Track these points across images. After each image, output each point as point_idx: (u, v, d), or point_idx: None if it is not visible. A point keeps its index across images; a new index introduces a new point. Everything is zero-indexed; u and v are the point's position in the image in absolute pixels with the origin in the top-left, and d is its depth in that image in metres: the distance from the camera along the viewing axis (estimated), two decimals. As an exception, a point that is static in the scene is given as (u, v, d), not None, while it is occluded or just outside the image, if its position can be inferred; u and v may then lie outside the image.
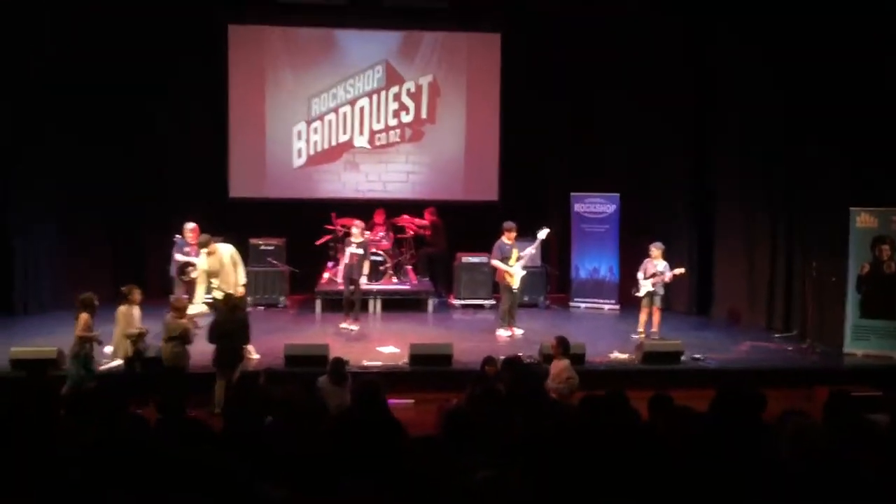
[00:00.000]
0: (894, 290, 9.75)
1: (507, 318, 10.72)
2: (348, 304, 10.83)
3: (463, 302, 12.66)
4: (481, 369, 7.60)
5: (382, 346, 9.93)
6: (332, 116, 13.61)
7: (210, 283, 9.41)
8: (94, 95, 11.88)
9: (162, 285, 11.50)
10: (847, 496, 3.53)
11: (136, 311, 8.60)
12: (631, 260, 11.62)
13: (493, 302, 12.06)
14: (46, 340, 9.43)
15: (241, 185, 13.41)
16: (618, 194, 12.66)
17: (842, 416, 4.40)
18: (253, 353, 9.09)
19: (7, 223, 11.46)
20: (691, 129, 12.35)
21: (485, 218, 12.33)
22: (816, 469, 3.57)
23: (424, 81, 13.67)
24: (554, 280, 13.51)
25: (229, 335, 8.17)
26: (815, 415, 4.54)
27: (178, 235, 10.68)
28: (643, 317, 10.50)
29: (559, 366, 7.73)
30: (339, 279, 11.29)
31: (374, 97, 13.63)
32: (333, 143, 13.66)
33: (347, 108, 13.61)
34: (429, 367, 9.04)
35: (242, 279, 9.54)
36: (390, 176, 13.79)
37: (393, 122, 13.70)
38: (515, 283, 10.61)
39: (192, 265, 10.34)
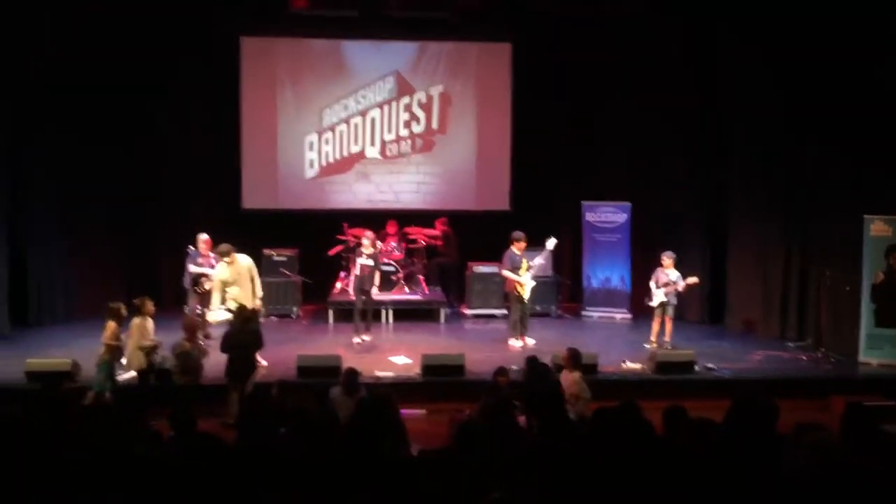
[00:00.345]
0: (909, 298, 9.68)
1: (519, 328, 10.71)
2: (360, 315, 10.82)
3: (475, 312, 12.65)
4: (493, 380, 7.60)
5: (394, 356, 9.93)
6: (343, 127, 13.65)
7: (226, 292, 9.44)
8: (100, 98, 11.87)
9: (175, 296, 11.56)
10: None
11: (150, 322, 8.66)
12: (643, 269, 11.59)
13: (505, 312, 12.04)
14: (61, 352, 9.49)
15: (253, 196, 13.47)
16: (629, 203, 12.63)
17: (858, 428, 4.36)
18: (261, 362, 9.11)
19: (18, 234, 11.45)
20: (704, 138, 12.29)
21: (496, 228, 12.31)
22: (833, 481, 3.54)
23: (435, 92, 13.70)
24: (566, 289, 13.48)
25: (242, 346, 8.20)
26: (830, 425, 4.51)
27: (190, 247, 10.73)
28: (656, 326, 10.47)
29: (570, 378, 7.70)
30: (351, 291, 11.29)
31: (385, 108, 13.67)
32: (345, 153, 13.71)
33: (359, 119, 13.66)
34: (441, 378, 9.03)
35: (259, 292, 9.71)
36: (402, 186, 13.82)
37: (404, 132, 13.74)
38: (526, 294, 10.61)
39: (206, 276, 10.39)
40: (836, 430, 4.46)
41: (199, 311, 10.55)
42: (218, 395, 8.05)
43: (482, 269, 12.57)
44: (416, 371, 9.24)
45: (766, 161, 11.39)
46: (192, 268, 10.56)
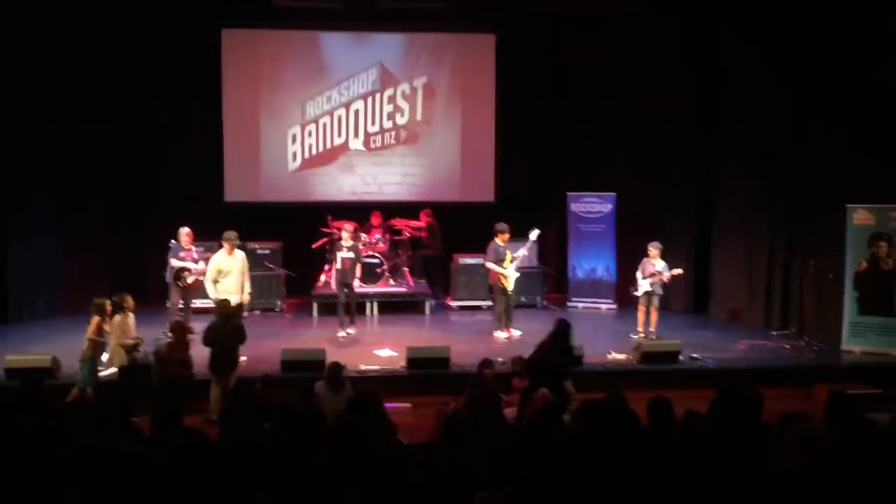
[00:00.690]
0: (892, 286, 9.74)
1: (504, 320, 10.69)
2: (344, 308, 10.76)
3: (460, 304, 12.63)
4: (479, 372, 7.58)
5: (379, 349, 9.89)
6: (326, 119, 13.56)
7: (218, 281, 9.39)
8: (92, 97, 11.81)
9: (158, 290, 11.46)
10: (849, 497, 3.50)
11: (131, 318, 8.59)
12: (628, 259, 11.61)
13: (490, 303, 12.02)
14: (41, 349, 9.38)
15: (236, 189, 13.36)
16: (613, 194, 12.64)
17: (843, 417, 4.37)
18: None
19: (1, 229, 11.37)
20: (689, 128, 12.31)
21: (481, 219, 12.27)
22: (819, 471, 3.54)
23: (419, 83, 13.63)
24: (551, 280, 13.49)
25: (225, 341, 8.13)
26: (814, 414, 4.53)
27: (173, 241, 10.61)
28: (641, 316, 10.49)
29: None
30: (333, 285, 11.20)
31: (369, 99, 13.59)
32: (328, 146, 13.63)
33: (342, 111, 13.57)
34: (426, 371, 9.00)
35: (248, 287, 9.82)
36: (386, 178, 13.76)
37: (388, 124, 13.67)
38: (510, 286, 10.59)
39: (188, 270, 10.31)
40: (820, 418, 4.48)
41: (181, 306, 10.47)
42: (201, 391, 7.98)
43: (467, 260, 12.54)
44: (401, 364, 9.20)
45: (751, 153, 11.41)
46: (175, 262, 10.45)
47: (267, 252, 12.32)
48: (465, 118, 13.71)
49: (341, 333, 10.62)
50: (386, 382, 8.13)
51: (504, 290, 10.58)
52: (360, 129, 13.62)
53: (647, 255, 10.46)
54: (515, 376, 7.85)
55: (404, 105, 13.66)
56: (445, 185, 13.79)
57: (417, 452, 4.30)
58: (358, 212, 12.80)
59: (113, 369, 8.44)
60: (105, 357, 8.59)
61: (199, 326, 8.95)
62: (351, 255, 10.67)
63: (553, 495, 3.44)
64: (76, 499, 3.70)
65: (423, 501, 3.57)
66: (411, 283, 12.80)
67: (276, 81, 13.39)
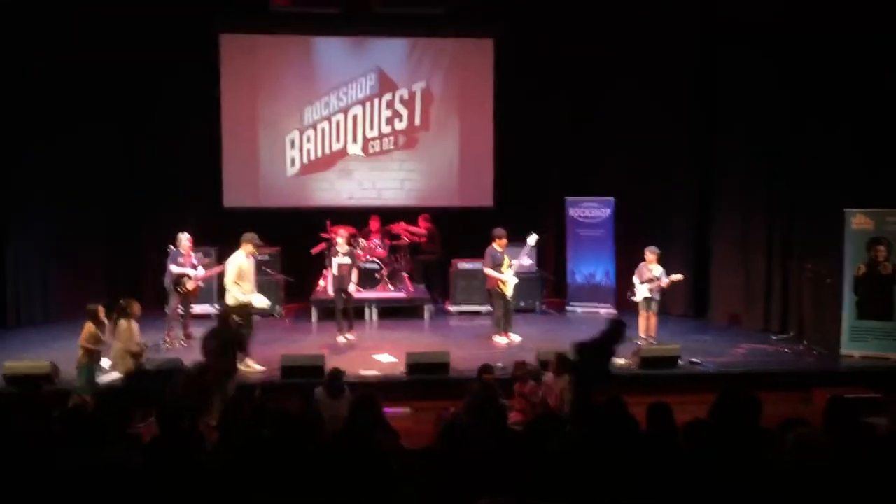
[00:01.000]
0: (891, 291, 9.74)
1: (503, 325, 10.69)
2: (342, 314, 10.74)
3: (459, 308, 12.62)
4: (479, 377, 7.58)
5: (379, 354, 9.88)
6: (325, 125, 13.57)
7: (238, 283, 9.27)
8: (90, 100, 11.80)
9: (157, 296, 11.45)
10: (848, 502, 3.51)
11: (135, 324, 8.57)
12: (627, 264, 11.60)
13: (489, 308, 12.01)
14: (39, 354, 9.36)
15: (235, 195, 13.36)
16: (612, 198, 12.64)
17: (842, 421, 4.37)
18: (258, 367, 9.10)
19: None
20: (688, 130, 12.31)
21: (480, 224, 12.27)
22: (818, 476, 3.54)
23: (417, 88, 13.65)
24: (550, 285, 13.48)
25: (226, 346, 8.11)
26: (813, 418, 4.53)
27: (171, 246, 10.61)
28: (642, 322, 10.41)
29: (558, 384, 7.62)
30: (330, 291, 11.17)
31: (367, 105, 13.60)
32: (327, 151, 13.63)
33: (340, 116, 13.58)
34: (426, 376, 8.98)
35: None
36: (385, 183, 13.76)
37: (386, 129, 13.67)
38: (509, 291, 10.59)
39: (187, 276, 10.31)
40: (819, 422, 4.48)
41: (181, 311, 10.47)
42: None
43: (466, 265, 12.54)
44: (400, 369, 9.19)
45: (749, 156, 11.42)
46: (174, 268, 10.45)
47: (266, 257, 12.27)
48: (464, 123, 13.72)
49: (340, 339, 10.61)
50: (385, 388, 8.13)
51: (502, 294, 10.58)
52: (358, 135, 13.63)
53: (643, 260, 10.46)
54: (517, 381, 7.86)
55: (403, 110, 13.67)
56: (444, 190, 13.79)
57: (417, 457, 4.30)
58: (357, 217, 12.81)
59: (116, 374, 8.41)
60: (105, 363, 8.57)
61: (197, 332, 8.95)
62: (347, 260, 10.68)
63: (553, 500, 3.44)
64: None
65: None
66: (410, 289, 12.79)
67: (275, 87, 13.40)
